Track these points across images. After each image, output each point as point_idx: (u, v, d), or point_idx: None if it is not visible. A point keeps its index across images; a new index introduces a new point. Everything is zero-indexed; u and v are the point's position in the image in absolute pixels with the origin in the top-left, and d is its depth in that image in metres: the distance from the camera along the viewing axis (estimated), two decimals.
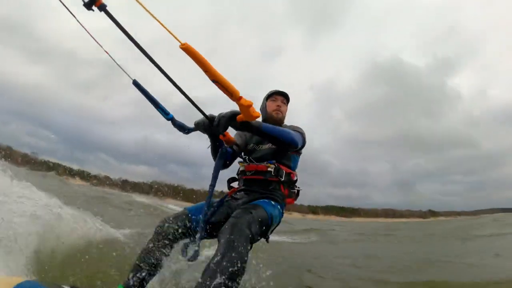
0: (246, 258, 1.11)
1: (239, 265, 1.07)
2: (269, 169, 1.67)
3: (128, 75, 1.31)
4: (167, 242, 1.49)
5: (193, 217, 1.56)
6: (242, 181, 1.81)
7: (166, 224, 1.52)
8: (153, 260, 1.43)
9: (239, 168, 1.84)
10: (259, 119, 1.38)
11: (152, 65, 1.07)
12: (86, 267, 2.16)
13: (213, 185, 1.53)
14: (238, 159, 1.84)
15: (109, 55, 1.25)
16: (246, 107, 1.12)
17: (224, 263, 1.05)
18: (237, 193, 1.76)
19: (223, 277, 1.03)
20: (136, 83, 1.32)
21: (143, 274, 1.40)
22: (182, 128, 1.52)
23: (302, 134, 1.72)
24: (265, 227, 1.40)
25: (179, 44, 0.93)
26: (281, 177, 1.68)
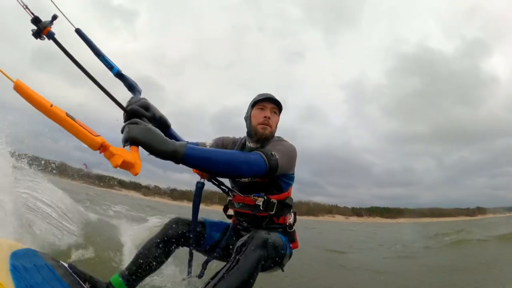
0: (254, 276, 1.09)
1: (245, 283, 1.06)
2: (257, 202, 1.46)
3: (72, 24, 1.18)
4: (169, 244, 1.47)
5: (207, 230, 1.57)
6: (234, 213, 1.66)
7: (174, 226, 1.51)
8: (151, 258, 1.42)
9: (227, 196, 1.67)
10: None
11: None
12: (91, 253, 2.37)
13: (194, 222, 1.48)
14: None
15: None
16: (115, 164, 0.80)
17: (231, 279, 1.06)
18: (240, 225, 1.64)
19: None
20: (79, 32, 1.18)
21: (139, 269, 1.39)
22: (133, 89, 1.21)
23: (267, 156, 1.24)
24: (279, 254, 1.32)
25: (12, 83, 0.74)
26: (272, 210, 1.46)
